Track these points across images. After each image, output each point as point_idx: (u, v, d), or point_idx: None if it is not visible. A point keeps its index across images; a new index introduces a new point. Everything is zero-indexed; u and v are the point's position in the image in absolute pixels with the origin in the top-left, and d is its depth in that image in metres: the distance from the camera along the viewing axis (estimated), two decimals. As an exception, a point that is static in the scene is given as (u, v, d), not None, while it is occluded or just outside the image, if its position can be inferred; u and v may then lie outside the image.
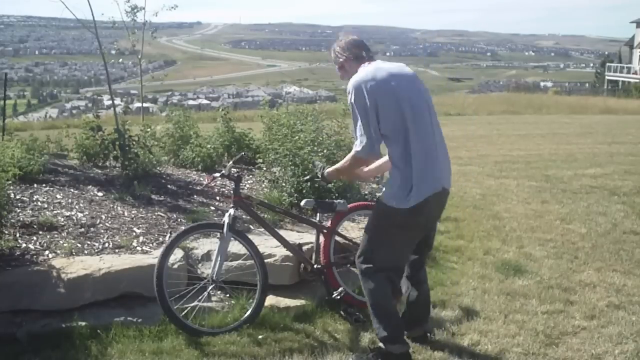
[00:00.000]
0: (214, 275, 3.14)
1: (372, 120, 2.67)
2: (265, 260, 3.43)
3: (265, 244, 3.61)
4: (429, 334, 3.07)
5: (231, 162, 3.31)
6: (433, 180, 2.69)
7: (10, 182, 3.70)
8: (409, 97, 2.70)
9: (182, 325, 3.00)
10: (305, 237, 3.74)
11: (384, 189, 2.82)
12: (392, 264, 2.81)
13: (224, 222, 3.15)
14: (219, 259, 3.15)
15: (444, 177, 2.76)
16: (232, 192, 3.31)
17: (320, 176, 3.19)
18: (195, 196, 4.64)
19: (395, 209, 2.69)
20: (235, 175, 3.27)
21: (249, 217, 3.68)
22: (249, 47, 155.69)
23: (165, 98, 71.75)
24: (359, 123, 2.69)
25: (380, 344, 2.80)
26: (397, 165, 2.70)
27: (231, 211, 3.18)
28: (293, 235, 3.78)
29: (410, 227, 2.75)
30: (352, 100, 2.70)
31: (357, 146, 2.72)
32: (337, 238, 3.52)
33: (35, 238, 3.61)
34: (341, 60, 2.90)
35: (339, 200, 3.52)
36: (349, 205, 3.55)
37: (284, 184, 4.34)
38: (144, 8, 6.62)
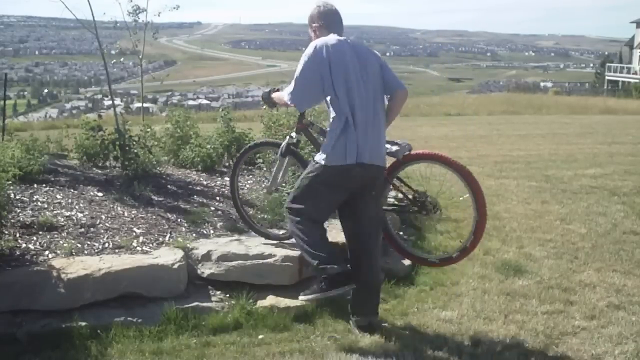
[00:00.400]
0: (268, 187, 3.77)
1: (312, 75, 2.99)
2: (265, 261, 3.44)
3: (269, 242, 3.65)
4: (379, 325, 3.12)
5: None
6: (362, 150, 2.95)
7: (10, 182, 3.70)
8: (358, 70, 3.01)
9: (254, 228, 3.82)
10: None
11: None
12: (312, 215, 3.06)
13: (282, 143, 3.52)
14: (275, 174, 3.65)
15: (373, 152, 3.00)
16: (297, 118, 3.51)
17: (268, 96, 3.44)
18: (195, 196, 4.64)
19: (322, 166, 2.98)
20: None
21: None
22: (249, 47, 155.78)
23: (165, 98, 71.80)
24: (299, 73, 3.02)
25: (322, 275, 3.00)
26: (333, 129, 2.98)
27: (292, 134, 3.48)
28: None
29: (333, 186, 3.01)
30: (307, 53, 3.02)
31: (288, 89, 3.09)
32: (395, 183, 3.41)
33: (35, 238, 3.61)
34: (315, 25, 3.21)
35: (399, 142, 3.24)
36: (415, 152, 3.32)
37: (284, 184, 4.34)
38: (146, 9, 6.62)
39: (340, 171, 2.96)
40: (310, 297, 3.06)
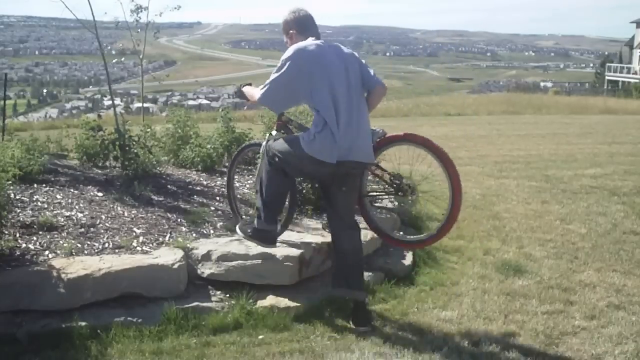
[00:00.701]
0: (254, 185, 3.88)
1: (288, 80, 3.08)
2: (265, 261, 3.44)
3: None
4: (366, 312, 3.21)
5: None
6: (339, 150, 3.04)
7: (10, 182, 3.70)
8: (338, 73, 3.09)
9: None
10: (306, 237, 3.74)
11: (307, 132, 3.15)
12: (284, 168, 3.22)
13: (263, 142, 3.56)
14: (258, 172, 3.60)
15: (352, 150, 3.09)
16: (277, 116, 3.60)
17: (239, 89, 3.53)
18: (195, 196, 4.64)
19: (302, 149, 3.08)
20: None
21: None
22: (249, 47, 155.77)
23: (165, 98, 71.77)
24: (275, 76, 3.11)
25: (255, 222, 3.31)
26: (316, 125, 3.06)
27: (273, 132, 3.56)
28: (294, 236, 3.78)
29: (307, 165, 3.13)
30: (285, 58, 3.09)
31: (260, 90, 3.19)
32: (373, 169, 3.53)
33: (35, 238, 3.61)
34: (291, 32, 3.28)
35: (373, 129, 3.40)
36: (388, 135, 3.47)
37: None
38: (147, 8, 6.63)
39: (315, 161, 3.08)
40: (240, 233, 3.39)
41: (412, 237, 3.75)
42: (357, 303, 3.22)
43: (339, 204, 3.31)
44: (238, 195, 4.44)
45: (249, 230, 3.35)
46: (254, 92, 3.31)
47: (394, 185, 3.45)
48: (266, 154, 3.29)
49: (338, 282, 3.30)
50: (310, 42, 3.17)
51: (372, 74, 3.26)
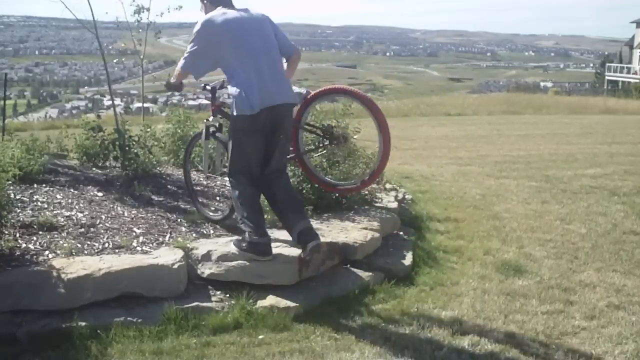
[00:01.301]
0: (205, 170, 4.23)
1: (202, 50, 3.43)
2: (265, 261, 3.44)
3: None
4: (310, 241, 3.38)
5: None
6: (264, 96, 3.32)
7: (10, 182, 3.70)
8: (244, 32, 3.40)
9: (200, 212, 4.13)
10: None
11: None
12: (243, 166, 3.48)
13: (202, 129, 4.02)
14: (204, 159, 4.15)
15: (276, 94, 3.38)
16: (210, 102, 3.93)
17: (167, 81, 3.74)
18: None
19: (234, 117, 3.39)
20: (210, 87, 3.88)
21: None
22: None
23: (165, 98, 71.63)
24: (190, 47, 3.45)
25: (247, 236, 3.43)
26: (236, 85, 3.35)
27: (210, 117, 3.93)
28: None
29: (249, 132, 3.39)
30: (196, 30, 3.42)
31: (181, 61, 3.52)
32: (306, 127, 3.87)
33: (35, 238, 3.61)
34: (205, 2, 3.58)
35: (298, 90, 3.72)
36: (313, 93, 3.78)
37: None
38: (148, 9, 6.64)
39: (250, 118, 3.32)
40: (234, 249, 3.48)
41: (347, 182, 4.01)
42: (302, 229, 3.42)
43: (276, 154, 3.52)
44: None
45: (243, 245, 3.45)
46: (177, 68, 3.59)
47: (327, 135, 3.76)
48: (229, 175, 3.55)
49: (287, 228, 3.51)
50: (218, 12, 3.47)
51: (286, 38, 3.60)
